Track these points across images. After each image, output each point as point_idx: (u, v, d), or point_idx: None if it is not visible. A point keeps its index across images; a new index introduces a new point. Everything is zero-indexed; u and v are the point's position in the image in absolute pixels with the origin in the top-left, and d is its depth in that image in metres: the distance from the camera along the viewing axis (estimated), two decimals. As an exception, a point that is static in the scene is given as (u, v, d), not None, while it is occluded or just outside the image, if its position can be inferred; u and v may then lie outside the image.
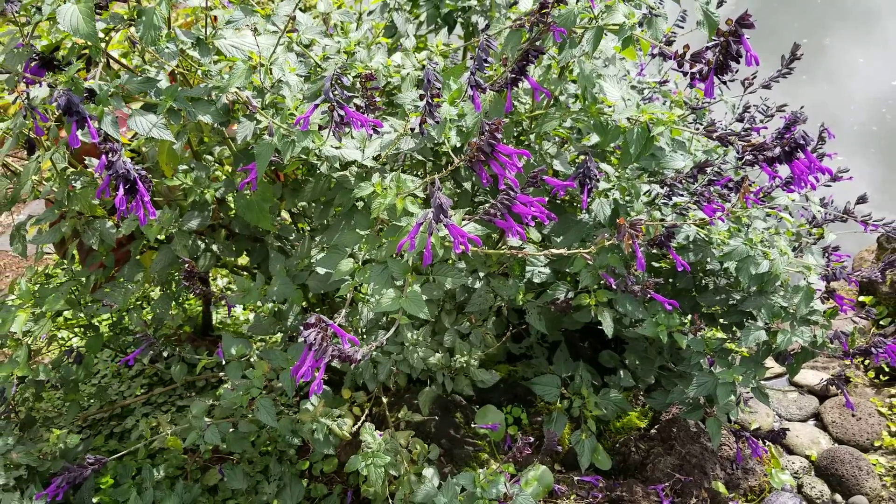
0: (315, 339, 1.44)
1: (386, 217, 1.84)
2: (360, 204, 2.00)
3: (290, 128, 1.74)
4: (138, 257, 2.48)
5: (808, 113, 2.58)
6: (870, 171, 5.19)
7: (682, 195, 2.15)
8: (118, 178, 1.74)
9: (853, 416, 3.22)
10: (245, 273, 2.81)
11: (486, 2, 2.67)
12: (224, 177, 2.33)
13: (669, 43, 2.88)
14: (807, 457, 3.04)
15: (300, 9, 2.14)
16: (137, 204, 1.78)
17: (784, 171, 2.75)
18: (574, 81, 2.34)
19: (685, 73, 1.66)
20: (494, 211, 1.61)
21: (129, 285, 2.43)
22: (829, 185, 2.70)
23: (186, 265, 2.10)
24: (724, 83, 1.70)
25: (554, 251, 1.61)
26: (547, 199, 1.93)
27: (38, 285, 2.51)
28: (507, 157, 1.48)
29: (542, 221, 1.63)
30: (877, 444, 3.11)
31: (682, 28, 2.98)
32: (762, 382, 2.52)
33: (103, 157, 1.74)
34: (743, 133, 1.71)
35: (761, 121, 2.68)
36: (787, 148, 1.67)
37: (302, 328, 1.46)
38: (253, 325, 2.34)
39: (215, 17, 2.27)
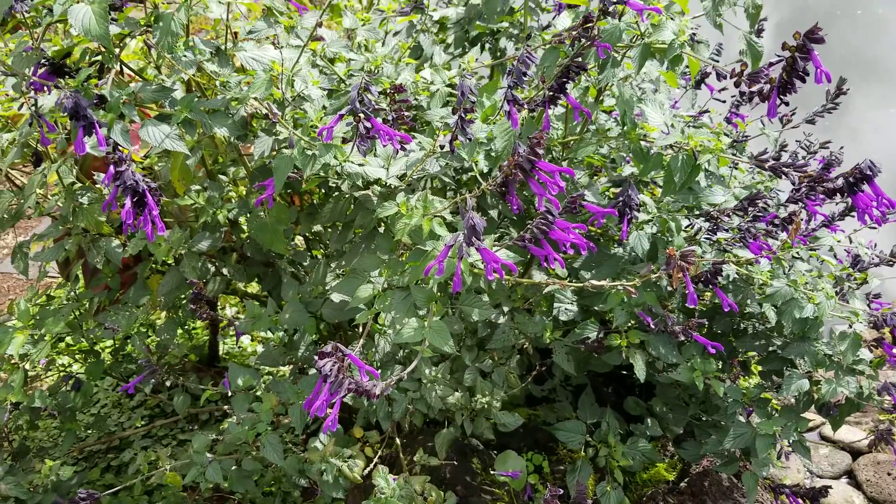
0: (331, 370, 1.31)
1: (409, 241, 1.71)
2: (381, 227, 1.87)
3: (312, 141, 1.62)
4: (145, 280, 2.37)
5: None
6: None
7: (726, 231, 2.01)
8: (126, 189, 1.63)
9: (889, 474, 3.04)
10: (255, 301, 2.68)
11: (518, 26, 2.59)
12: (238, 198, 2.22)
13: (706, 76, 2.78)
14: (842, 517, 2.86)
15: (322, 25, 2.05)
16: (145, 218, 1.67)
17: (827, 209, 2.64)
18: (606, 111, 2.23)
19: (742, 94, 1.54)
20: (530, 236, 1.48)
21: (134, 309, 2.30)
22: (874, 228, 2.56)
23: (195, 287, 1.98)
24: (786, 105, 1.57)
25: (594, 282, 1.47)
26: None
27: (38, 307, 2.39)
28: (548, 175, 1.35)
29: (581, 250, 1.50)
30: (917, 505, 2.93)
31: (718, 61, 2.88)
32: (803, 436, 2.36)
33: (111, 167, 1.63)
34: (799, 164, 1.58)
35: (803, 157, 2.55)
36: (851, 179, 1.54)
37: (317, 358, 1.33)
38: (261, 354, 2.21)
39: (236, 33, 2.18)
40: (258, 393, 2.09)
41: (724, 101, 2.53)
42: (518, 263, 2.02)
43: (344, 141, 1.71)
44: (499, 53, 2.65)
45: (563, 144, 2.15)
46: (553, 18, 2.54)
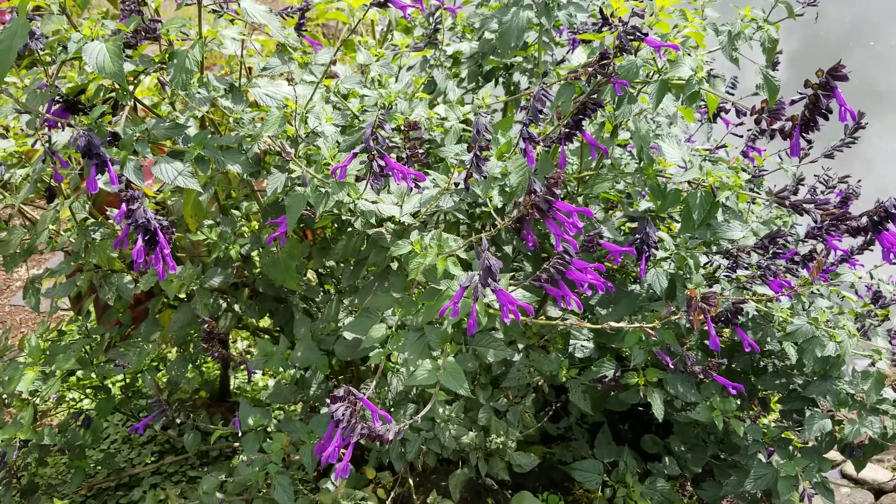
0: (343, 414, 1.27)
1: (423, 280, 1.69)
2: (395, 265, 1.85)
3: (325, 179, 1.60)
4: (157, 316, 2.35)
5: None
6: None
7: (745, 268, 1.97)
8: (137, 227, 1.61)
9: (915, 515, 2.96)
10: (267, 336, 2.65)
11: (532, 60, 2.58)
12: (250, 233, 2.21)
13: (720, 111, 2.75)
14: (867, 559, 2.78)
15: (335, 62, 2.05)
16: (157, 256, 1.65)
17: (845, 243, 2.59)
18: (621, 145, 2.21)
19: (763, 131, 1.51)
20: (546, 276, 1.45)
21: (144, 345, 2.28)
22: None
23: (206, 325, 1.95)
24: (808, 143, 1.54)
25: (613, 324, 1.44)
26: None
27: (49, 342, 2.37)
28: (565, 216, 1.33)
29: (599, 289, 1.47)
30: (944, 547, 2.84)
31: (733, 94, 2.85)
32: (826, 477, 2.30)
33: (123, 205, 1.62)
34: (821, 200, 1.54)
35: (822, 192, 2.52)
36: (875, 217, 1.50)
37: (329, 401, 1.30)
38: (272, 392, 2.17)
39: (250, 69, 2.18)
40: (269, 429, 2.06)
41: (741, 136, 2.50)
42: (533, 301, 1.99)
43: (357, 178, 1.69)
44: (513, 88, 2.64)
45: (578, 179, 2.13)
46: (567, 53, 2.53)
